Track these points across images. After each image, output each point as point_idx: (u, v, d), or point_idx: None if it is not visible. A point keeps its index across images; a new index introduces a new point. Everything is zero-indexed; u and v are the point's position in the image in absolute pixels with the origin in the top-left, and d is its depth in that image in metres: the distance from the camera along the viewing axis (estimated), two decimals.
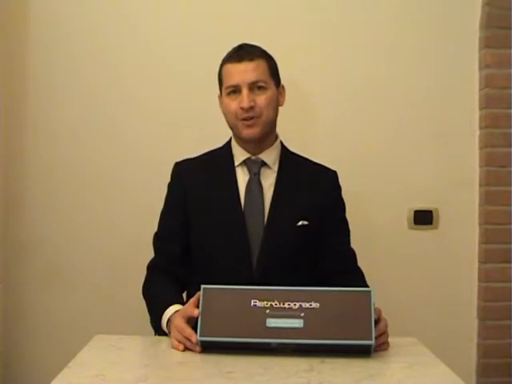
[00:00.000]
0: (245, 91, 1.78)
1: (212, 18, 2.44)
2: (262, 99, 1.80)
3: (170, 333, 1.62)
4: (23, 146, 2.45)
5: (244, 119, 1.80)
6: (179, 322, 1.57)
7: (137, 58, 2.45)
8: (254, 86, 1.80)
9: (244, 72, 1.79)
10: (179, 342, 1.55)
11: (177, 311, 1.63)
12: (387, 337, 1.56)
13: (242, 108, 1.78)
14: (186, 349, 1.53)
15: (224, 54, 1.87)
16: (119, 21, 2.45)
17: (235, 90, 1.80)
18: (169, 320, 1.64)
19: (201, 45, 2.43)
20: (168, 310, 1.66)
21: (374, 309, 1.50)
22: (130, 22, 2.45)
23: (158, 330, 1.73)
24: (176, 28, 2.45)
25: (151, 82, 2.45)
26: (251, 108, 1.78)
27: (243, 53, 1.81)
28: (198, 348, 1.51)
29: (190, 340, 1.53)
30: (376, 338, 1.47)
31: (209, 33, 2.43)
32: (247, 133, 1.81)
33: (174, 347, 1.56)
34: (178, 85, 2.44)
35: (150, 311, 1.81)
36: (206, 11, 2.45)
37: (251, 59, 1.80)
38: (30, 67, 2.44)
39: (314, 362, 1.43)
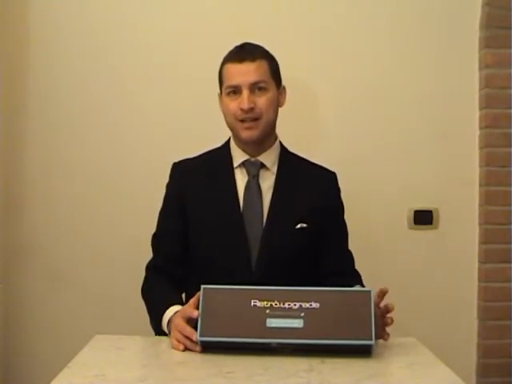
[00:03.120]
0: (245, 92, 1.77)
1: (213, 18, 2.44)
2: (262, 100, 1.79)
3: (170, 333, 1.62)
4: (23, 146, 2.45)
5: (243, 120, 1.79)
6: (179, 322, 1.57)
7: (136, 57, 2.45)
8: (255, 87, 1.79)
9: (245, 73, 1.78)
10: (179, 341, 1.55)
11: (177, 312, 1.63)
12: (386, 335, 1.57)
13: (241, 109, 1.78)
14: (186, 349, 1.53)
15: (224, 55, 1.86)
16: (119, 20, 2.45)
17: (235, 91, 1.79)
18: (169, 321, 1.64)
19: (201, 44, 2.43)
20: (168, 311, 1.66)
21: (387, 305, 1.55)
22: (130, 21, 2.45)
23: (158, 331, 1.73)
24: (176, 28, 2.45)
25: (151, 82, 2.45)
26: (251, 109, 1.77)
27: (245, 53, 1.80)
28: (198, 348, 1.51)
29: (190, 339, 1.53)
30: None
31: (209, 33, 2.43)
32: (246, 135, 1.81)
33: (174, 347, 1.55)
34: (177, 84, 2.44)
35: (149, 312, 1.80)
36: (207, 11, 2.45)
37: (252, 60, 1.79)
38: (30, 67, 2.44)
39: (314, 362, 1.43)
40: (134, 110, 2.45)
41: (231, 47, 1.86)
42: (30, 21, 2.43)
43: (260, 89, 1.79)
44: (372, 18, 2.47)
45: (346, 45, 2.47)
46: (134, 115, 2.45)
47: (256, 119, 1.79)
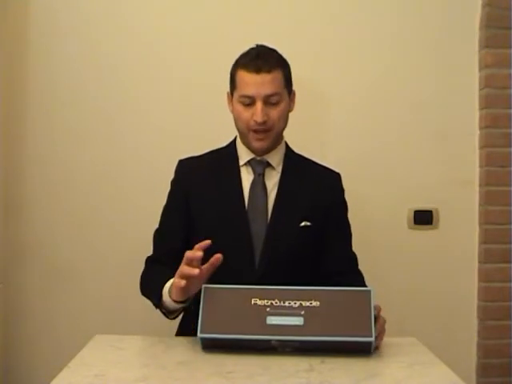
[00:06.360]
0: (259, 104, 1.77)
1: (217, 17, 2.44)
2: (275, 112, 1.79)
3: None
4: (23, 146, 2.45)
5: (255, 131, 1.80)
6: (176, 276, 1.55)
7: (138, 56, 2.44)
8: (269, 99, 1.78)
9: (260, 84, 1.77)
10: (181, 278, 1.52)
11: None
12: (383, 335, 1.56)
13: (255, 121, 1.78)
14: (187, 285, 1.51)
15: (230, 54, 1.84)
16: (120, 21, 2.45)
17: (249, 100, 1.79)
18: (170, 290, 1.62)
19: (205, 43, 2.42)
20: (168, 283, 1.64)
21: (374, 306, 1.51)
22: (131, 20, 2.45)
23: (161, 308, 1.69)
24: (179, 26, 2.44)
25: (153, 81, 2.44)
26: (264, 122, 1.78)
27: (261, 62, 1.77)
28: (196, 271, 1.49)
29: (189, 264, 1.51)
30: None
31: (215, 32, 2.42)
32: (257, 145, 1.82)
33: (176, 286, 1.54)
34: (180, 84, 2.44)
35: (150, 294, 1.75)
36: (212, 10, 2.44)
37: (269, 70, 1.77)
38: (30, 68, 2.44)
39: (314, 362, 1.43)
40: (135, 109, 2.45)
41: (235, 48, 1.84)
42: (30, 21, 2.43)
43: (273, 100, 1.79)
44: (372, 19, 2.47)
45: (345, 46, 2.47)
46: (135, 115, 2.45)
47: (267, 130, 1.80)
